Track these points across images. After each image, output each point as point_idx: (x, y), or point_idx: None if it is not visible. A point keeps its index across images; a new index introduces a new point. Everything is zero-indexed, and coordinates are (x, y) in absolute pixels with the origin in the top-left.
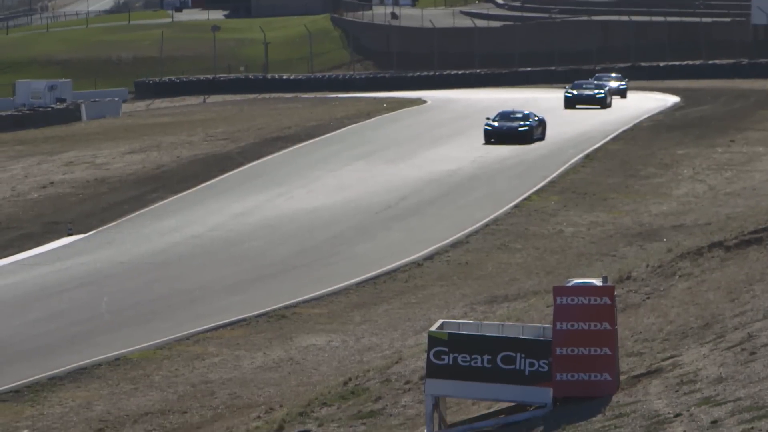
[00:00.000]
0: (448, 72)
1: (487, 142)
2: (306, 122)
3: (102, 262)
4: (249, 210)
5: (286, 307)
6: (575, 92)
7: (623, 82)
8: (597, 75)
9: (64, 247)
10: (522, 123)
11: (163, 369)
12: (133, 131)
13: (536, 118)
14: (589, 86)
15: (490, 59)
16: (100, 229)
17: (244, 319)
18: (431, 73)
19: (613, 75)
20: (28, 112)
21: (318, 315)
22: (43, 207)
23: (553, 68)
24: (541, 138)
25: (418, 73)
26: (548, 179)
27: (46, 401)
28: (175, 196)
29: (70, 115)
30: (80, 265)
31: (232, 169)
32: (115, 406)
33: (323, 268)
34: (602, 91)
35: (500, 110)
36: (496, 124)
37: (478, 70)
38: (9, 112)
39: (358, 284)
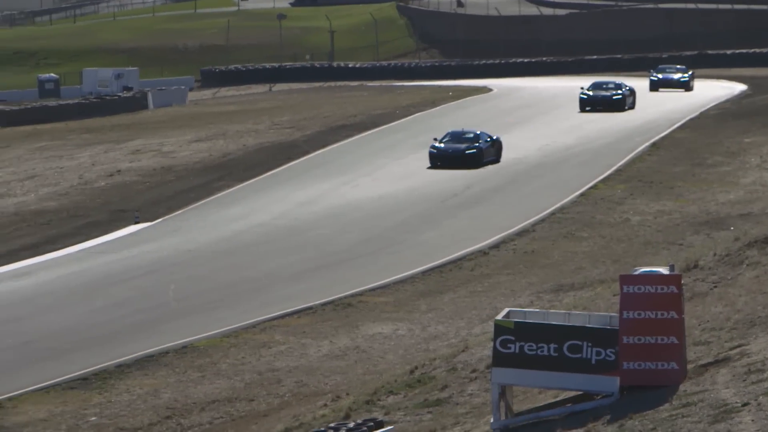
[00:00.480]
0: (513, 60)
1: (433, 165)
2: (371, 110)
3: (168, 250)
4: (314, 198)
5: (352, 296)
6: (591, 93)
7: (686, 75)
8: (660, 67)
9: (130, 235)
10: (469, 145)
11: (229, 357)
12: (200, 119)
13: (490, 139)
14: (608, 86)
15: (555, 47)
16: (167, 217)
17: (310, 308)
18: (497, 61)
19: (678, 66)
20: (95, 100)
21: (384, 303)
22: (110, 195)
23: (618, 56)
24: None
25: (483, 61)
26: (614, 167)
27: (114, 389)
28: (241, 185)
29: (137, 103)
30: (147, 253)
31: (298, 157)
32: (183, 394)
33: (389, 257)
34: (620, 92)
35: (450, 130)
36: (441, 145)
37: (543, 58)
38: (76, 101)
39: (424, 272)
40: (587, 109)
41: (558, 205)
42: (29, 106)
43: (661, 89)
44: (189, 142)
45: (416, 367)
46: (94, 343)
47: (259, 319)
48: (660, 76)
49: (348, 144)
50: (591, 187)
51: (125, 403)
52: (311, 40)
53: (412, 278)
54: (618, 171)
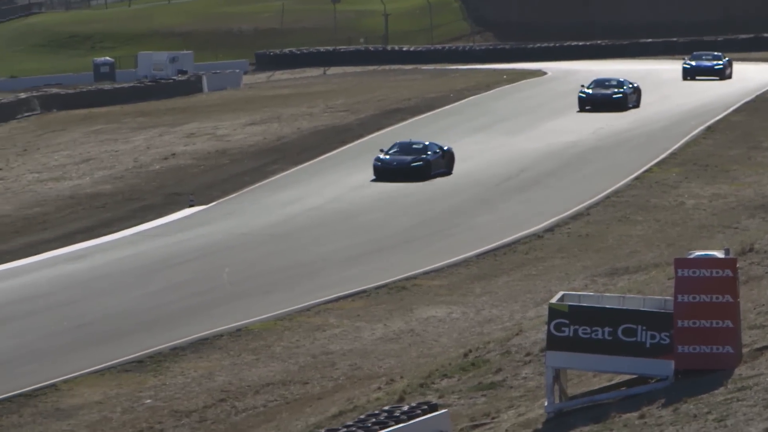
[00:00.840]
0: (568, 43)
1: (378, 179)
2: (425, 94)
3: (222, 233)
4: (368, 182)
5: (406, 279)
6: (590, 92)
7: (720, 62)
8: (694, 53)
9: (185, 218)
10: (416, 157)
11: (284, 340)
12: (254, 103)
13: (440, 150)
14: (610, 84)
15: (610, 30)
16: (221, 200)
17: (364, 291)
18: (551, 45)
19: (714, 53)
20: (149, 83)
21: (438, 287)
22: (164, 178)
23: (674, 39)
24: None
25: (538, 45)
26: (669, 151)
27: (169, 371)
28: (295, 168)
29: (192, 86)
30: (201, 236)
31: (352, 140)
32: (237, 377)
33: (443, 240)
34: (620, 91)
35: (398, 141)
36: (387, 157)
37: (598, 42)
38: (131, 84)
39: (478, 256)
40: (587, 108)
41: (612, 188)
42: (85, 90)
43: (694, 77)
44: (243, 126)
45: (470, 351)
46: (149, 326)
47: (313, 302)
48: (693, 63)
49: (402, 127)
50: (646, 171)
51: (180, 385)
52: (365, 23)
53: (466, 262)
54: (673, 154)
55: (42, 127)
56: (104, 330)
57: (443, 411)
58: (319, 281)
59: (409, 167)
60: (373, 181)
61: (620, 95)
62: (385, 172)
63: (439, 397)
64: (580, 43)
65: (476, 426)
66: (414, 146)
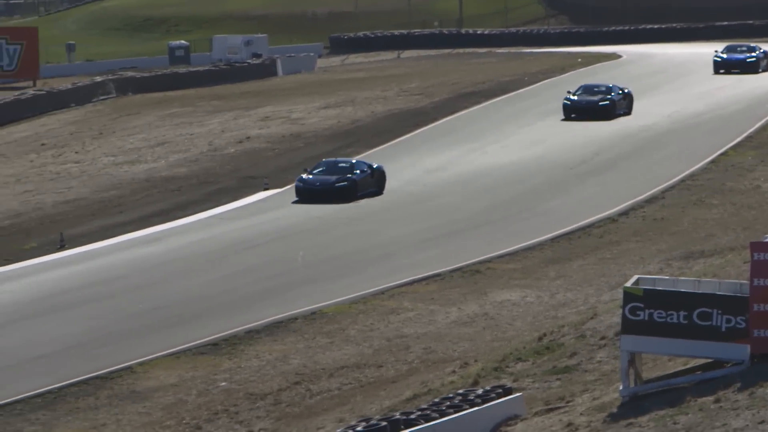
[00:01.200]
0: (643, 26)
1: (301, 200)
2: (500, 77)
3: (297, 216)
4: (443, 165)
5: (480, 262)
6: (575, 98)
7: (753, 54)
8: (728, 45)
9: (259, 201)
10: (340, 177)
11: (358, 323)
12: (328, 86)
13: (367, 169)
14: (598, 90)
15: (686, 13)
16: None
17: (438, 274)
18: (626, 28)
19: (749, 45)
20: (224, 67)
21: (512, 270)
22: (239, 162)
23: (750, 22)
24: None
25: (613, 28)
26: (745, 134)
27: (243, 354)
28: (369, 151)
29: (266, 70)
30: (275, 219)
31: (426, 124)
32: (311, 360)
33: (517, 223)
34: (607, 97)
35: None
36: (309, 177)
37: (673, 25)
38: (206, 67)
39: (552, 239)
40: (573, 116)
41: (688, 172)
42: (160, 73)
43: (724, 71)
44: (318, 109)
45: (545, 334)
46: (224, 309)
47: (387, 285)
48: (725, 56)
49: (476, 111)
50: (721, 154)
51: (255, 368)
52: (440, 6)
53: (540, 245)
54: (749, 137)
55: (117, 111)
56: (179, 313)
57: (517, 394)
58: (393, 264)
59: (333, 188)
60: (295, 202)
61: (607, 102)
62: (307, 193)
63: (514, 381)
64: (655, 26)
65: (551, 410)
66: (340, 165)
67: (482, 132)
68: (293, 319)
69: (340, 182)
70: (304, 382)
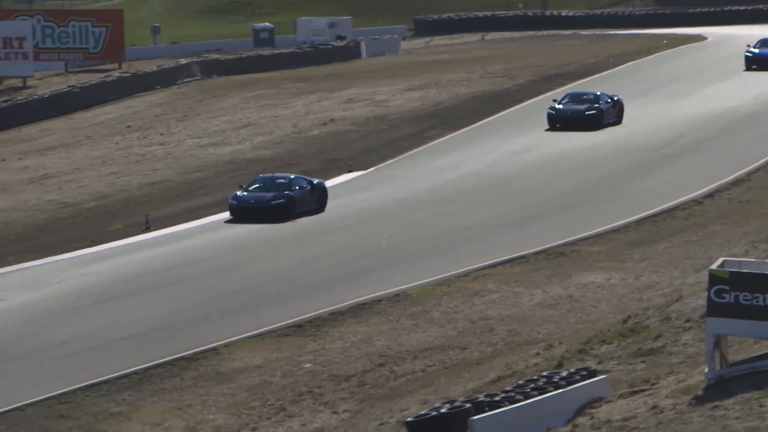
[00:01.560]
0: (729, 8)
1: (235, 219)
2: (584, 59)
3: (381, 198)
4: (527, 147)
5: (565, 245)
6: (560, 107)
7: None
8: (762, 38)
9: (344, 183)
10: (277, 194)
11: (442, 305)
12: (412, 68)
13: (307, 185)
14: (585, 98)
15: None
16: (379, 165)
17: (522, 256)
18: (712, 9)
19: None
20: (308, 49)
21: (597, 252)
22: (323, 144)
23: None
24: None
25: (698, 9)
26: None
27: (328, 336)
28: (454, 133)
29: (350, 52)
30: (359, 201)
31: (510, 106)
32: (396, 342)
33: (602, 206)
34: (594, 106)
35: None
36: (244, 195)
37: (760, 6)
38: (290, 50)
39: (637, 222)
40: (557, 126)
41: None
42: (244, 56)
43: (755, 67)
44: (401, 91)
45: (629, 317)
46: (308, 291)
47: (471, 267)
48: (756, 50)
49: (561, 93)
50: None
51: (339, 350)
52: None
53: (625, 227)
54: None
55: (202, 93)
56: (264, 294)
57: (602, 377)
58: (477, 246)
59: (269, 206)
60: (228, 222)
61: (594, 112)
62: (241, 211)
63: (598, 363)
64: (741, 8)
65: (635, 392)
66: (278, 181)
67: None
68: (377, 300)
69: (277, 200)
70: (389, 363)
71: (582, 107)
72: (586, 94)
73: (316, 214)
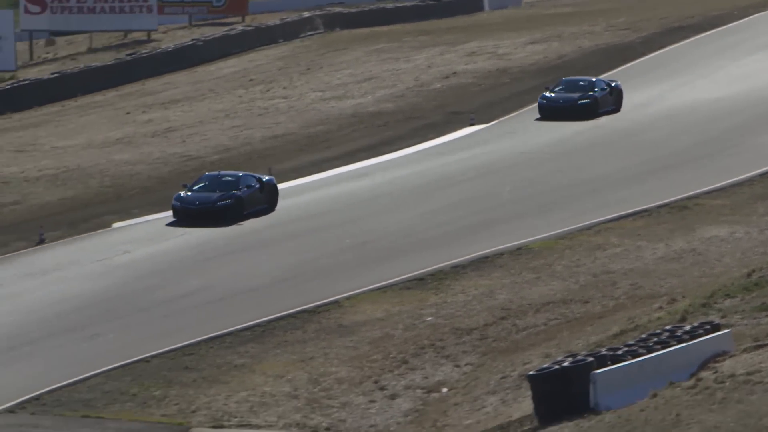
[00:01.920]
0: None
1: (179, 221)
2: (709, 11)
3: (503, 151)
4: (650, 100)
5: (688, 198)
6: (552, 96)
7: None
8: None
9: (466, 136)
10: (223, 194)
11: (564, 259)
12: (535, 21)
13: (256, 183)
14: (579, 86)
15: None
16: (502, 119)
17: (645, 210)
18: None
19: None
20: (431, 2)
21: (720, 206)
22: (445, 97)
23: None
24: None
25: None
26: None
27: (449, 289)
28: None
29: (473, 5)
30: (482, 154)
31: (634, 59)
32: (517, 295)
33: (726, 159)
34: (588, 94)
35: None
36: (188, 195)
37: None
38: (413, 3)
39: (761, 175)
40: (549, 116)
41: None
42: (367, 9)
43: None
44: (524, 44)
45: (754, 271)
46: (430, 244)
47: (594, 221)
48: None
49: (685, 45)
50: None
51: (460, 303)
52: None
53: (749, 181)
54: None
55: (325, 46)
56: (386, 247)
57: (726, 331)
58: (599, 200)
59: (215, 208)
60: (170, 225)
61: (587, 100)
62: (184, 213)
63: (722, 317)
64: None
65: (759, 346)
66: (224, 179)
67: (690, 67)
68: (499, 254)
69: (223, 200)
70: (511, 317)
71: (575, 95)
72: (580, 80)
73: (267, 213)
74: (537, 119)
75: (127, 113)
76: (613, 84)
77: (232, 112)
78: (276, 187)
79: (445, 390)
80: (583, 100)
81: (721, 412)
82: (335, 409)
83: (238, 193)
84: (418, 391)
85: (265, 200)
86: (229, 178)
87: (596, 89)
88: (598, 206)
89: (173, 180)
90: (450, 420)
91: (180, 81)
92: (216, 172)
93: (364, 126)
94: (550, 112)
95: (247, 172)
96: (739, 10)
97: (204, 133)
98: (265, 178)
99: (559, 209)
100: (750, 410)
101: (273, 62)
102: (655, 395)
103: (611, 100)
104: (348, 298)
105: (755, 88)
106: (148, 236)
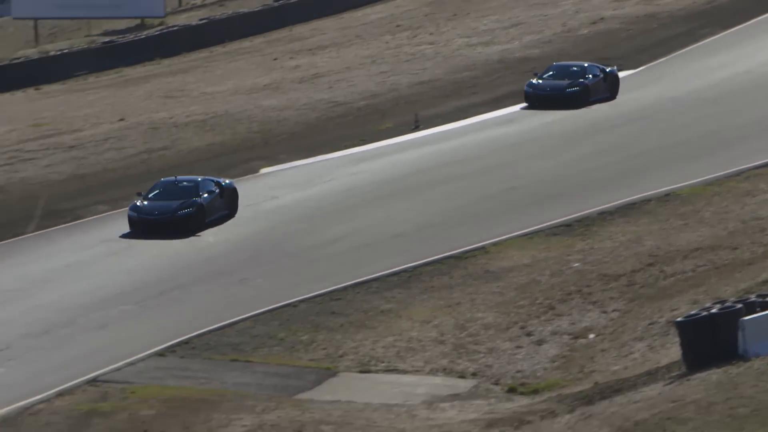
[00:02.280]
0: None
1: (134, 232)
2: None
3: (651, 97)
4: None
5: None
6: (539, 83)
7: None
8: None
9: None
10: (183, 202)
11: (713, 205)
12: None
13: (216, 189)
14: (569, 72)
15: None
16: (650, 64)
17: None
18: None
19: None
20: None
21: None
22: (592, 43)
23: None
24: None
25: None
26: None
27: (596, 235)
28: (726, 32)
29: None
30: (630, 100)
31: None
32: (665, 242)
33: None
34: (578, 82)
35: None
36: (144, 205)
37: None
38: None
39: None
40: (536, 105)
41: None
42: None
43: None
44: None
45: None
46: (578, 190)
47: (743, 167)
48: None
49: None
50: None
51: (607, 249)
52: None
53: None
54: None
55: None
56: (533, 193)
57: None
58: (749, 146)
59: (175, 217)
60: (124, 236)
61: (576, 88)
62: (142, 224)
63: None
64: None
65: None
66: (183, 185)
67: None
68: (647, 200)
69: (184, 209)
70: (658, 263)
71: (563, 83)
72: (573, 66)
73: (228, 219)
74: (524, 108)
75: (275, 59)
76: (608, 69)
77: (379, 58)
78: (236, 191)
79: (592, 336)
80: (572, 88)
81: None
82: (482, 355)
83: (199, 200)
84: (565, 336)
85: (226, 206)
86: (187, 184)
87: (588, 75)
88: (748, 152)
89: (320, 126)
90: (597, 366)
91: (327, 27)
92: (173, 178)
93: (511, 72)
94: (537, 100)
95: (206, 177)
96: None
97: (351, 79)
98: (225, 182)
99: (707, 155)
100: None
101: (420, 8)
102: None
103: (605, 87)
104: (494, 244)
105: None
106: (296, 182)
